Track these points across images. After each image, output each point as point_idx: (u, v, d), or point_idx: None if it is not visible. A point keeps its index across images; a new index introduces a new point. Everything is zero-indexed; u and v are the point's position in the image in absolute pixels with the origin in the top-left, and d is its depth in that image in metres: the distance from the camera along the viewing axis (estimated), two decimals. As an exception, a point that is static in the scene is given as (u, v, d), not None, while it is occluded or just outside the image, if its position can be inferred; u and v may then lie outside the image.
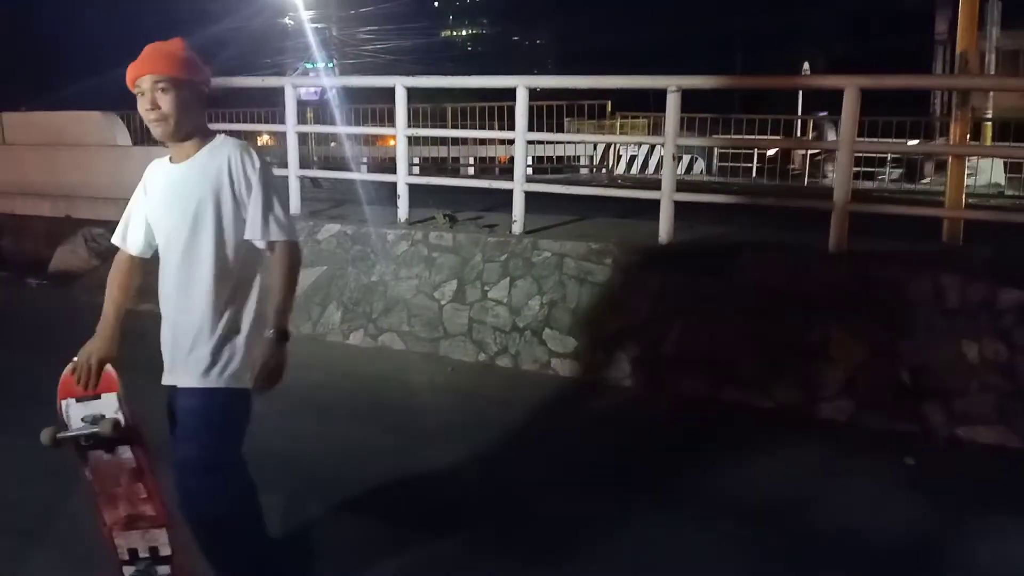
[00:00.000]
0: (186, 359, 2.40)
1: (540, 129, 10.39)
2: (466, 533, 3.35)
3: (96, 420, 2.35)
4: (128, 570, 2.49)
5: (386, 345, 6.04)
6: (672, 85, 5.59)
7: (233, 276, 2.40)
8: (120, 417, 2.36)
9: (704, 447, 4.35)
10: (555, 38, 51.10)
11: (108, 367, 2.43)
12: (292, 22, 32.41)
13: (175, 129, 2.32)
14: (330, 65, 33.18)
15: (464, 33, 67.76)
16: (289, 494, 3.60)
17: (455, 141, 14.35)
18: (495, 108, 12.50)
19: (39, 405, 4.82)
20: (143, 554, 2.48)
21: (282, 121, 7.33)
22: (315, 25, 32.72)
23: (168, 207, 2.40)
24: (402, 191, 6.79)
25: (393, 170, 7.05)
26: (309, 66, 30.77)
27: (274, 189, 2.41)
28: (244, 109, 12.23)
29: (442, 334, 5.90)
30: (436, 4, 62.94)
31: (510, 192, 6.27)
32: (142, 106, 2.32)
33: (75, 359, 2.43)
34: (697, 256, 5.51)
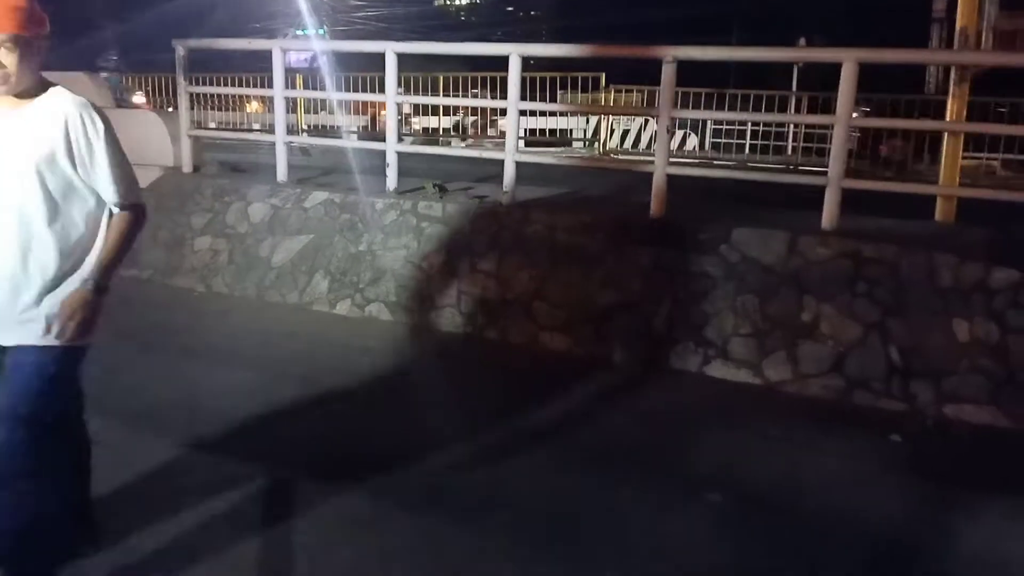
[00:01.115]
0: (19, 317, 2.33)
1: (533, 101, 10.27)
2: (448, 506, 3.31)
3: None
4: None
5: (373, 315, 5.97)
6: (668, 55, 5.49)
7: (66, 234, 2.35)
8: None
9: (696, 425, 4.33)
10: (550, 10, 50.63)
11: None
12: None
13: (15, 85, 2.24)
14: (321, 32, 32.77)
15: (458, 3, 67.00)
16: (271, 466, 3.55)
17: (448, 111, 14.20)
18: (487, 78, 12.36)
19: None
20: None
21: (270, 86, 7.18)
22: (306, -10, 32.25)
23: None
24: (391, 160, 6.68)
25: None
26: (300, 32, 30.37)
27: (121, 151, 2.39)
28: (231, 73, 12.03)
29: (430, 305, 5.83)
30: (429, -28, 62.11)
31: (501, 163, 6.18)
32: None
33: None
34: (690, 231, 5.45)
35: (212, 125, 14.78)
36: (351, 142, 7.18)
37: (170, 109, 11.08)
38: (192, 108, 7.81)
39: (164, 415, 4.08)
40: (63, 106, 2.30)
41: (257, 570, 2.84)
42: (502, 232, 5.84)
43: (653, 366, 5.09)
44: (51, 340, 2.33)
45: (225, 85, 11.26)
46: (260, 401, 4.31)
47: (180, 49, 7.46)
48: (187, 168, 7.62)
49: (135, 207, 2.44)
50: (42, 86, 2.33)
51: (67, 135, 2.28)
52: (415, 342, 5.56)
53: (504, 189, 6.13)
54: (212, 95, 13.64)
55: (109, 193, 2.38)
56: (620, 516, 3.26)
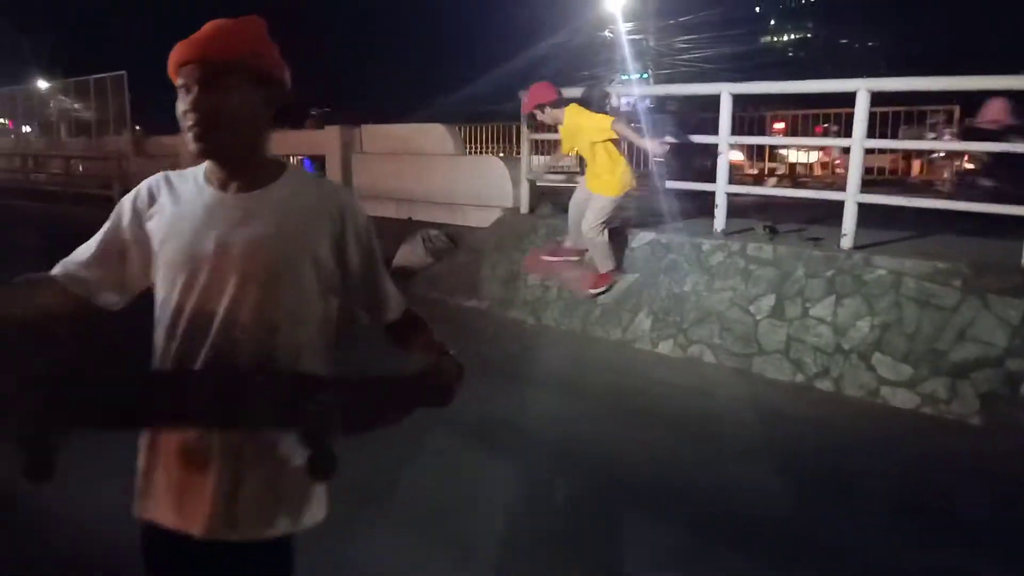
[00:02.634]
0: (229, 498, 1.51)
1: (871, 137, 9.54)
2: (760, 553, 3.14)
3: None
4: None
5: (696, 356, 5.91)
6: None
7: (312, 361, 1.60)
8: None
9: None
10: (891, 40, 47.01)
11: None
12: (611, 35, 33.31)
13: (220, 147, 1.53)
14: (644, 76, 33.57)
15: (786, 38, 64.88)
16: (596, 494, 3.65)
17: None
18: (819, 115, 11.77)
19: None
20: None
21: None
22: (633, 36, 33.34)
23: (211, 248, 1.52)
24: (720, 201, 6.60)
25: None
26: (624, 78, 31.41)
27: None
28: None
29: (756, 350, 5.63)
30: (757, 9, 61.00)
31: (834, 204, 5.82)
32: (181, 106, 1.49)
33: None
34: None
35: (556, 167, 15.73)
36: (674, 183, 7.20)
37: (510, 155, 11.96)
38: (532, 154, 8.39)
39: (493, 433, 4.38)
40: (330, 191, 1.64)
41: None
42: (839, 277, 5.48)
43: (1020, 432, 4.42)
44: (287, 526, 1.57)
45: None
46: (579, 430, 4.47)
47: (524, 98, 8.07)
48: (524, 209, 8.18)
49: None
50: (274, 159, 1.63)
51: (343, 231, 1.61)
52: (739, 386, 5.39)
53: (843, 232, 5.76)
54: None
55: (398, 306, 1.78)
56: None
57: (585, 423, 4.60)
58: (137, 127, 22.96)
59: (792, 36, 65.15)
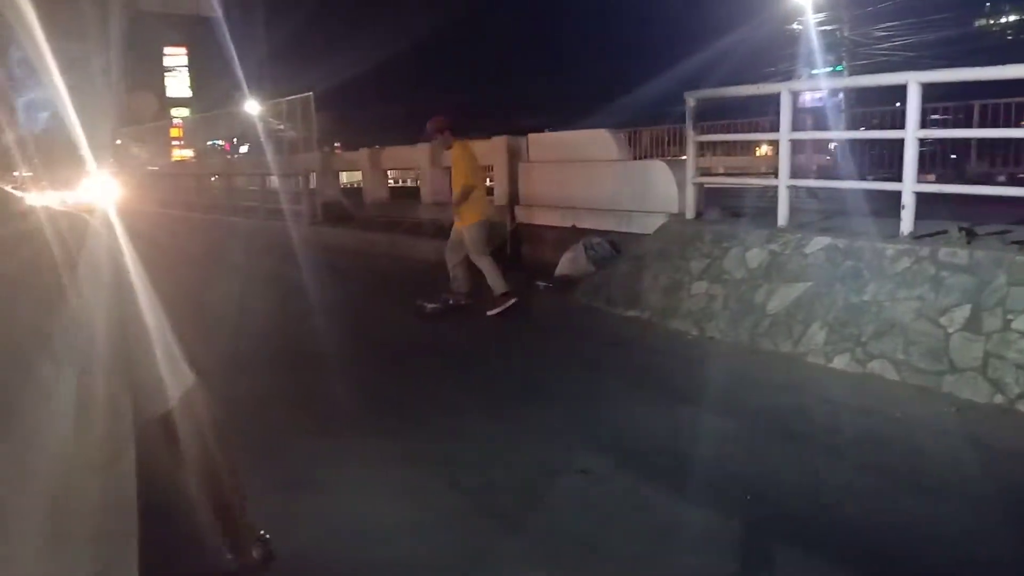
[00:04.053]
0: None
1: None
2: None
3: None
4: None
5: (875, 373, 5.35)
6: None
7: None
8: None
9: None
10: None
11: None
12: (799, 27, 31.64)
13: None
14: (838, 68, 31.62)
15: (1004, 20, 59.01)
16: (750, 523, 3.34)
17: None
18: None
19: (524, 390, 5.32)
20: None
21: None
22: (825, 27, 31.50)
23: None
24: (907, 201, 5.97)
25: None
26: (814, 72, 29.73)
27: None
28: (742, 119, 12.18)
29: (947, 367, 5.01)
30: (970, -10, 55.88)
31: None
32: None
33: None
34: None
35: (721, 170, 15.16)
36: (860, 183, 6.62)
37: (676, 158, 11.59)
38: (699, 156, 8.04)
39: (648, 455, 4.14)
40: None
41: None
42: (1050, 285, 4.77)
43: None
44: None
45: (733, 131, 11.43)
46: (741, 451, 4.14)
47: (690, 100, 7.74)
48: (690, 215, 7.84)
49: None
50: None
51: None
52: (925, 408, 4.82)
53: (1056, 233, 5.03)
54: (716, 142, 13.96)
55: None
56: None
57: (746, 445, 4.27)
58: (336, 144, 24.51)
59: (1012, 18, 59.06)
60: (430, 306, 7.56)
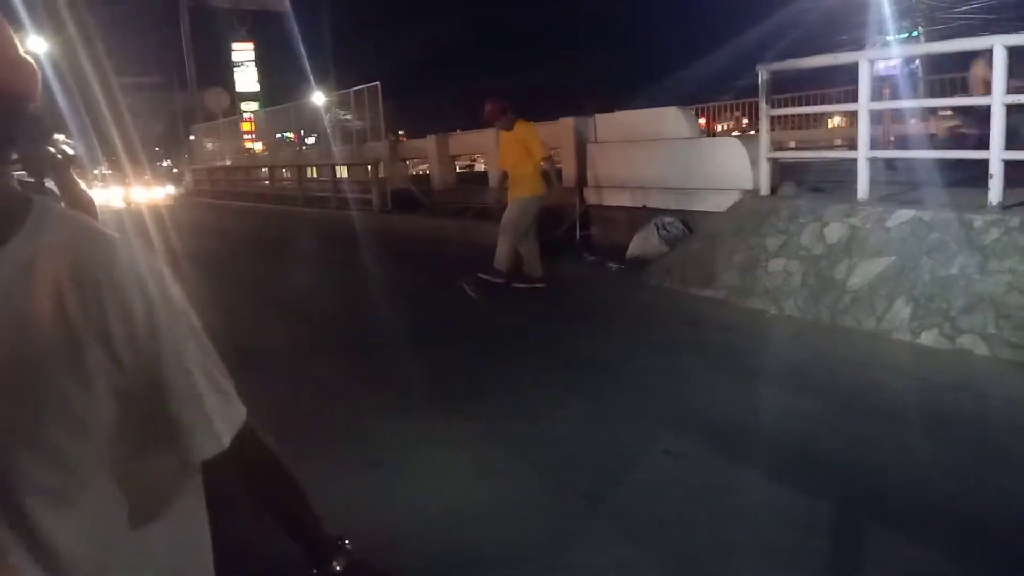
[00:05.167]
0: None
1: None
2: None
3: None
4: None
5: (965, 348, 5.18)
6: None
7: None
8: None
9: None
10: None
11: None
12: (870, -8, 30.45)
13: None
14: (914, 34, 30.40)
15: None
16: (837, 503, 3.29)
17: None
18: None
19: (600, 371, 5.33)
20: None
21: (854, 100, 6.82)
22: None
23: None
24: (995, 170, 5.73)
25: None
26: (888, 39, 28.63)
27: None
28: (813, 91, 11.85)
29: (1043, 341, 4.82)
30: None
31: None
32: None
33: None
34: None
35: (791, 144, 14.79)
36: (945, 152, 6.37)
37: (750, 133, 11.36)
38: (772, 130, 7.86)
39: (727, 434, 4.10)
40: (66, 237, 0.95)
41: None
42: None
43: None
44: None
45: (806, 104, 11.13)
46: (827, 430, 4.06)
47: (763, 73, 7.56)
48: (764, 191, 7.68)
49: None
50: (19, 203, 0.96)
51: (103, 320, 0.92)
52: (1019, 384, 4.64)
53: None
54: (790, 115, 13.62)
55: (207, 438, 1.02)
56: None
57: (832, 424, 4.18)
58: (400, 132, 24.74)
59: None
60: (470, 289, 7.61)
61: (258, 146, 31.06)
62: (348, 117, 20.20)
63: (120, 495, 0.96)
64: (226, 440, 1.00)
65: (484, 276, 7.62)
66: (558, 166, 9.95)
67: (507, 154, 7.82)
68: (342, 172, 17.97)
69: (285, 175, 21.68)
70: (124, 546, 0.96)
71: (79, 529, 0.92)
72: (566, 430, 4.27)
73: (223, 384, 1.03)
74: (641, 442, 4.05)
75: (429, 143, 15.89)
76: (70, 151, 2.48)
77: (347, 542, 1.18)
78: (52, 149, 2.13)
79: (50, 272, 0.90)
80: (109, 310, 0.91)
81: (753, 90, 7.93)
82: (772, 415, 4.33)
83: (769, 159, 7.68)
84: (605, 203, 10.35)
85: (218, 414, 1.00)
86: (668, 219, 8.73)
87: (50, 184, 2.27)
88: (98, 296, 0.91)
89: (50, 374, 0.89)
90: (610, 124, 10.82)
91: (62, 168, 2.31)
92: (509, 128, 7.72)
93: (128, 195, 18.69)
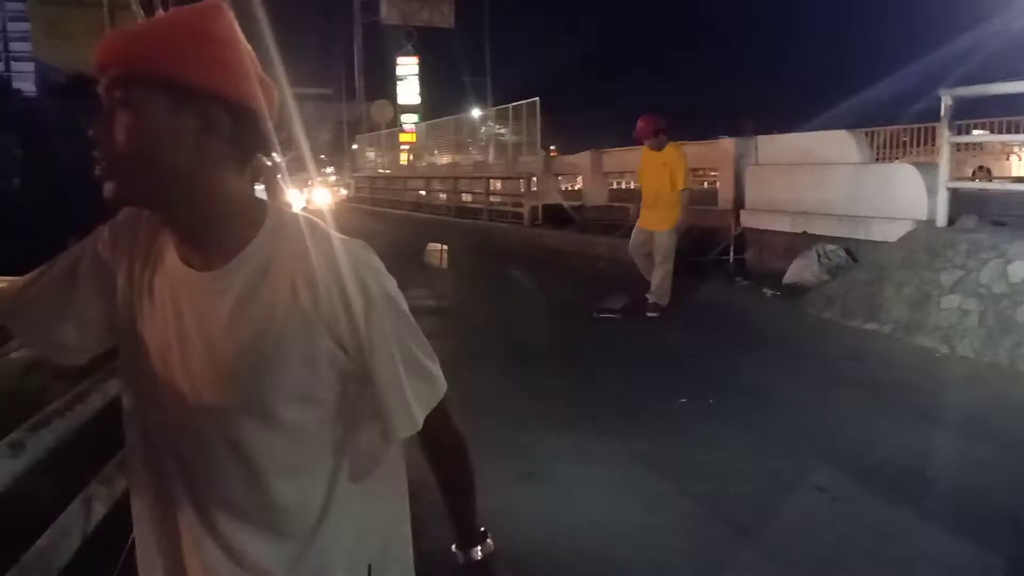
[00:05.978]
0: None
1: None
2: None
3: None
4: None
5: None
6: None
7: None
8: None
9: None
10: None
11: None
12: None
13: (128, 188, 1.01)
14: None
15: None
16: (1011, 563, 3.05)
17: None
18: None
19: (756, 400, 5.19)
20: None
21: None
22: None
23: (175, 334, 1.06)
24: None
25: None
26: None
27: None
28: (1000, 119, 11.06)
29: None
30: None
31: None
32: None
33: None
34: None
35: (970, 174, 13.86)
36: None
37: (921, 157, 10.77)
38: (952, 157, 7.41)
39: (889, 477, 3.89)
40: (338, 259, 1.06)
41: None
42: None
43: None
44: None
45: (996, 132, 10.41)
46: (1000, 481, 3.78)
47: (947, 99, 7.15)
48: (941, 222, 7.24)
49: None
50: (253, 207, 1.09)
51: (344, 310, 1.05)
52: None
53: None
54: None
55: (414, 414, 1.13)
56: None
57: (1006, 474, 3.88)
58: (552, 148, 25.06)
59: None
60: (602, 313, 7.67)
61: (416, 157, 32.29)
62: (503, 132, 20.64)
63: (339, 459, 1.10)
64: (420, 422, 1.10)
65: (652, 314, 7.62)
66: (716, 186, 9.78)
67: (650, 176, 7.76)
68: (495, 185, 18.38)
69: (440, 186, 22.43)
70: (340, 503, 1.09)
71: (305, 489, 1.07)
72: (719, 457, 4.19)
73: (426, 365, 1.12)
74: (795, 477, 3.91)
75: (583, 159, 16.00)
76: (277, 159, 2.71)
77: (487, 533, 1.28)
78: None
79: (287, 270, 1.04)
80: (336, 303, 1.03)
81: (922, 116, 7.51)
82: (941, 461, 4.07)
83: (949, 188, 7.23)
84: (762, 227, 10.07)
85: (416, 399, 1.09)
86: (831, 247, 8.39)
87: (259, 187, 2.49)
88: (328, 291, 1.02)
89: (288, 361, 1.03)
90: (773, 146, 10.53)
91: (271, 175, 2.53)
92: (659, 149, 7.67)
93: (310, 198, 19.89)
